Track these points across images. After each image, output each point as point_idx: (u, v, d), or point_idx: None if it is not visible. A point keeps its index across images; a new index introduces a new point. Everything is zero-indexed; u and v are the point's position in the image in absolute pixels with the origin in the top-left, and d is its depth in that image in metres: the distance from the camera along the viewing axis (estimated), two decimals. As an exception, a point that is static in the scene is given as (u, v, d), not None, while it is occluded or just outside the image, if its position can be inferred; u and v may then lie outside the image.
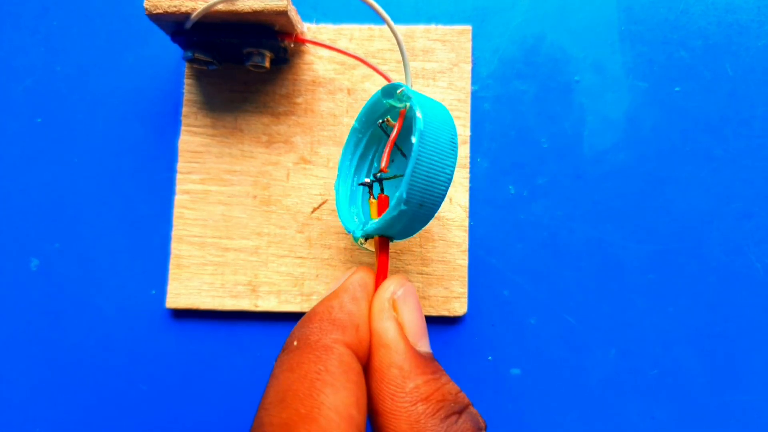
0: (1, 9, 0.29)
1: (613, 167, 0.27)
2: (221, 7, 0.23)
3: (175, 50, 0.28)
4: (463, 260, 0.26)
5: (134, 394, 0.26)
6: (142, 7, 0.23)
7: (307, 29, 0.27)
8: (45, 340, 0.27)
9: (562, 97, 0.28)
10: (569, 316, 0.26)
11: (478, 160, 0.27)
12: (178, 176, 0.27)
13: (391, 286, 0.20)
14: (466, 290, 0.26)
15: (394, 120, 0.23)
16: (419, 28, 0.27)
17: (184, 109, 0.27)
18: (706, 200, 0.27)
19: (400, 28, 0.27)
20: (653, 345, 0.26)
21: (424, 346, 0.19)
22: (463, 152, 0.27)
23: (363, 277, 0.20)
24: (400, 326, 0.19)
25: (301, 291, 0.26)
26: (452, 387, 0.18)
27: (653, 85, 0.27)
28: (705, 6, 0.28)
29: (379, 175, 0.23)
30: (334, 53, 0.27)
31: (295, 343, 0.18)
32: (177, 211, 0.27)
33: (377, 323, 0.19)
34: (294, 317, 0.27)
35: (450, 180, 0.20)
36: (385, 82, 0.27)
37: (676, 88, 0.27)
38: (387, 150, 0.21)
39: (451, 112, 0.27)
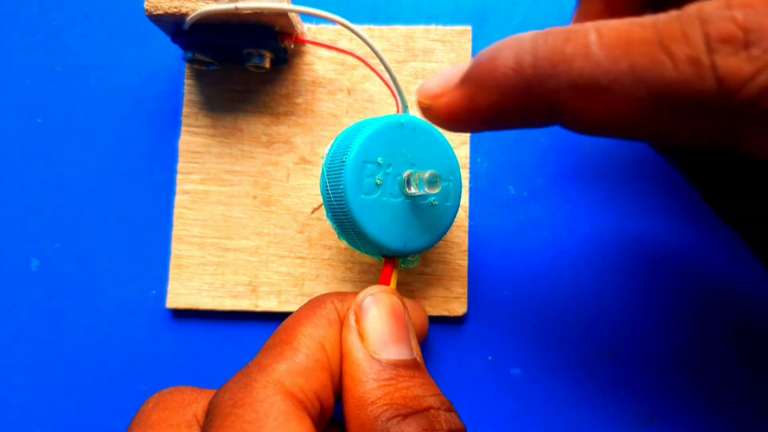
0: (1, 9, 0.29)
1: (612, 167, 0.27)
2: (221, 9, 0.23)
3: (175, 51, 0.28)
4: (463, 260, 0.26)
5: (134, 394, 0.26)
6: (143, 7, 0.23)
7: (307, 30, 0.27)
8: (45, 340, 0.27)
9: (562, 97, 0.28)
10: (569, 317, 0.27)
11: (478, 160, 0.27)
12: (178, 176, 0.27)
13: (359, 296, 0.21)
14: (466, 290, 0.26)
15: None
16: (419, 29, 0.27)
17: (185, 110, 0.27)
18: (705, 200, 0.27)
19: (401, 29, 0.27)
20: (653, 345, 0.26)
21: (391, 353, 0.19)
22: (463, 152, 0.27)
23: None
24: (360, 336, 0.19)
25: (302, 291, 0.26)
26: (411, 392, 0.18)
27: (653, 86, 0.27)
28: (705, 6, 0.28)
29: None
30: (334, 54, 0.27)
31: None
32: (177, 211, 0.27)
33: (343, 340, 0.20)
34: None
35: (344, 194, 0.21)
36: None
37: (676, 89, 0.27)
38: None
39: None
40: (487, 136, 0.27)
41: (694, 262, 0.27)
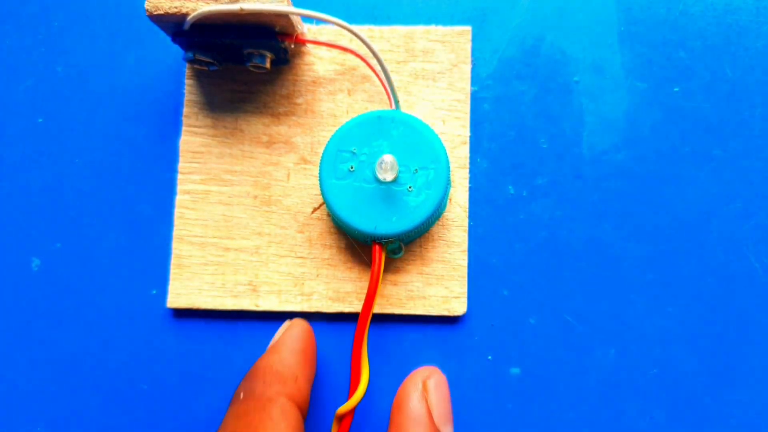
0: (2, 9, 0.29)
1: (612, 167, 0.27)
2: (223, 9, 0.23)
3: (175, 51, 0.28)
4: (462, 260, 0.26)
5: (136, 394, 0.27)
6: (143, 8, 0.23)
7: (308, 30, 0.27)
8: (46, 340, 0.27)
9: (561, 97, 0.28)
10: (569, 316, 0.27)
11: (478, 160, 0.27)
12: (179, 176, 0.27)
13: (426, 371, 0.23)
14: (465, 290, 0.26)
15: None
16: (419, 29, 0.28)
17: (185, 110, 0.27)
18: (705, 200, 0.27)
19: (401, 29, 0.28)
20: (653, 345, 0.26)
21: (447, 430, 0.22)
22: (463, 153, 0.27)
23: (299, 331, 0.23)
24: (428, 407, 0.21)
25: (302, 291, 0.26)
26: None
27: (652, 86, 0.28)
28: (704, 6, 0.28)
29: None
30: (335, 54, 0.27)
31: (242, 395, 0.21)
32: (178, 211, 0.27)
33: (409, 400, 0.21)
34: (294, 317, 0.27)
35: (319, 179, 0.24)
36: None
37: (676, 89, 0.28)
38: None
39: (450, 113, 0.27)
40: (486, 135, 0.28)
41: (694, 262, 0.27)
